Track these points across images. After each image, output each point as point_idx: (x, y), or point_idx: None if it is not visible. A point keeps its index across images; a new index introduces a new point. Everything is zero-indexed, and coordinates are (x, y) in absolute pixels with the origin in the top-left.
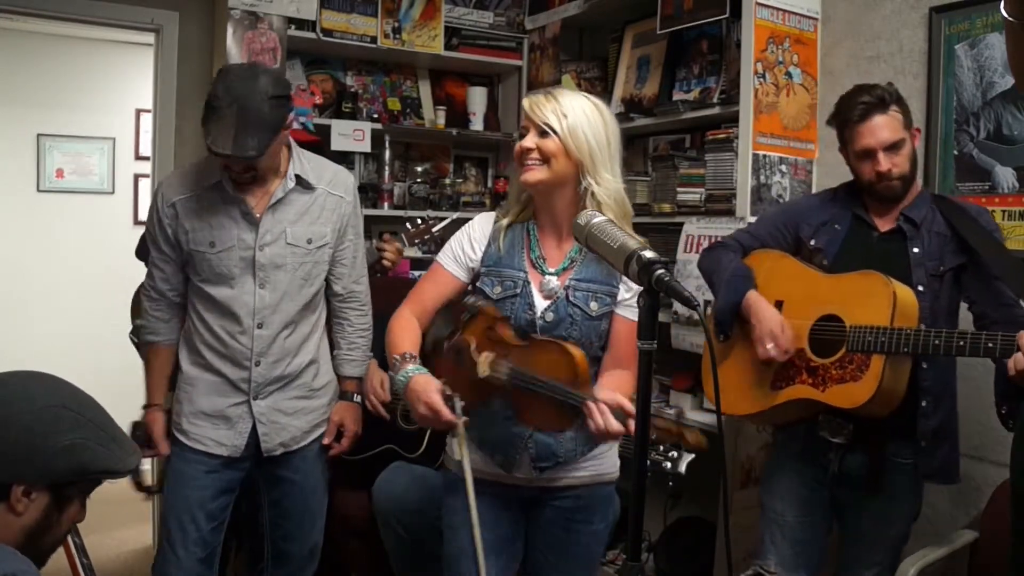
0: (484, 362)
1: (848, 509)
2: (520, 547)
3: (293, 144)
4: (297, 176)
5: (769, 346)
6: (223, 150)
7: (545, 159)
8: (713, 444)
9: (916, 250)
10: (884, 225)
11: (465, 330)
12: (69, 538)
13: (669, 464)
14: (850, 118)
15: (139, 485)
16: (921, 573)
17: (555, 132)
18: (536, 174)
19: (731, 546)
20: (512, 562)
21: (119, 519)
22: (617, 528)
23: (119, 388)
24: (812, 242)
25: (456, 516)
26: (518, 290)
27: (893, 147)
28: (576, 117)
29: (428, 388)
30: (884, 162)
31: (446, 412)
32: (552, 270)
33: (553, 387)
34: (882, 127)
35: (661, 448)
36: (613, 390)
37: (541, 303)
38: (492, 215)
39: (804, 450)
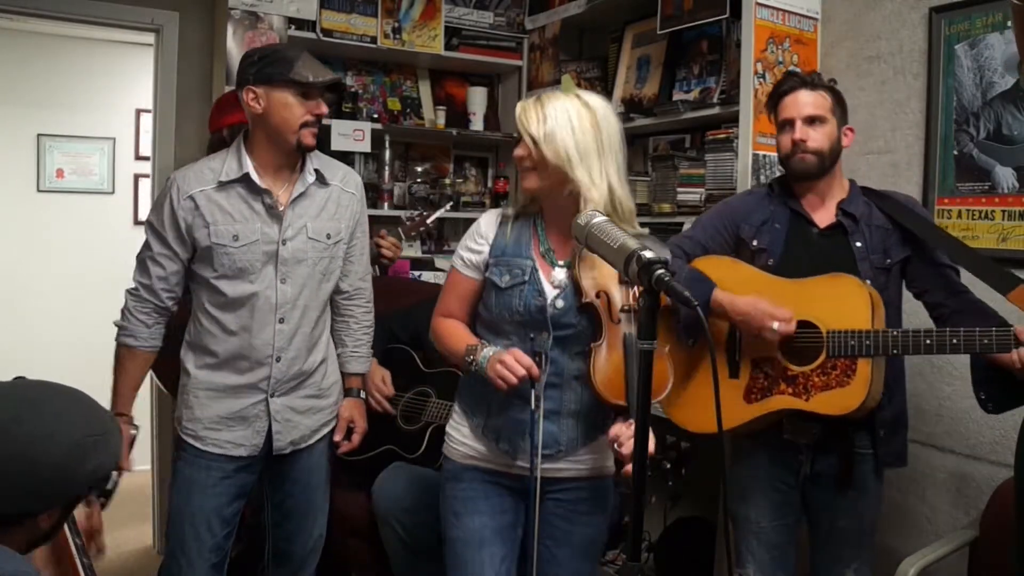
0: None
1: (821, 509)
2: (520, 534)
3: None
4: (316, 171)
5: (775, 325)
6: (322, 77)
7: (535, 166)
8: (713, 444)
9: (859, 244)
10: (823, 220)
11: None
12: (70, 538)
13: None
14: (778, 92)
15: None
16: (921, 573)
17: (536, 141)
18: (530, 181)
19: (731, 546)
20: (514, 549)
21: (119, 519)
22: (617, 528)
23: None
24: (755, 242)
25: (461, 504)
26: (526, 277)
27: (812, 120)
28: (555, 123)
29: (512, 351)
30: (799, 131)
31: (529, 360)
32: (562, 263)
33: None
34: (805, 100)
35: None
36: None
37: (551, 291)
38: (498, 211)
39: (772, 456)
